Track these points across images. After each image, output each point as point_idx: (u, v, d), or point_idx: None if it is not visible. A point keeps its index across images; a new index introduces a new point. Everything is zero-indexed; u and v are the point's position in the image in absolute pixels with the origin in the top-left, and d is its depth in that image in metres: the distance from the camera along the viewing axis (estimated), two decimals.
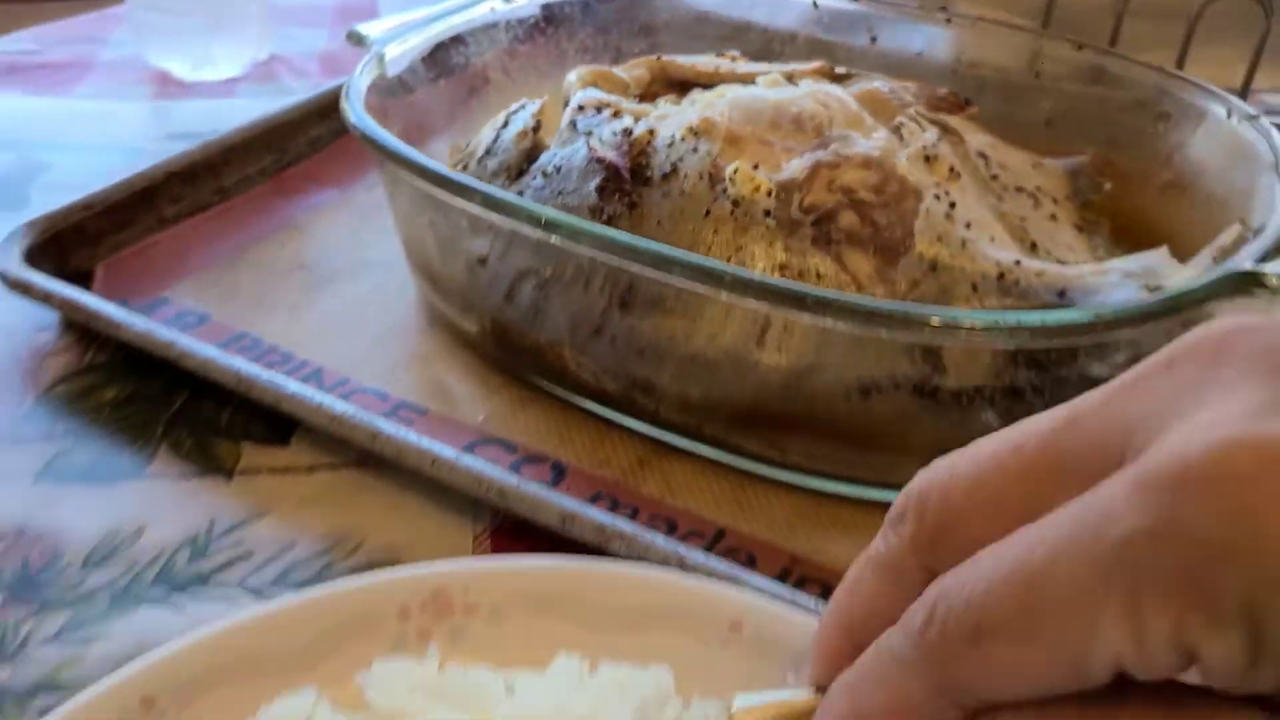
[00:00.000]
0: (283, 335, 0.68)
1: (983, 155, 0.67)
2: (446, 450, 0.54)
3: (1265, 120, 0.65)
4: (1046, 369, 0.51)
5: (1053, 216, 0.67)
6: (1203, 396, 0.25)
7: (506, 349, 0.64)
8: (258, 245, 0.78)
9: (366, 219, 0.82)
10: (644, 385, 0.59)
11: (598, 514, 0.50)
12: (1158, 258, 0.57)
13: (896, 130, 0.66)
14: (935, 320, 0.48)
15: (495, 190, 0.57)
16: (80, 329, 0.69)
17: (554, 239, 0.54)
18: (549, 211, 0.54)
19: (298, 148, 0.86)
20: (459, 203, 0.57)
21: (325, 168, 0.87)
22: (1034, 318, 0.48)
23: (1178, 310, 0.48)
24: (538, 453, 0.60)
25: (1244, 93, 0.85)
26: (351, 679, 0.42)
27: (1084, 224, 0.69)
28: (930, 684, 0.28)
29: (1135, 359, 0.29)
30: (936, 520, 0.30)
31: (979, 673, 0.27)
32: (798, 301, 0.49)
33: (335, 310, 0.72)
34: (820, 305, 0.48)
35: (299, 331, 0.69)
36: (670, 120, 0.64)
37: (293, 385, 0.58)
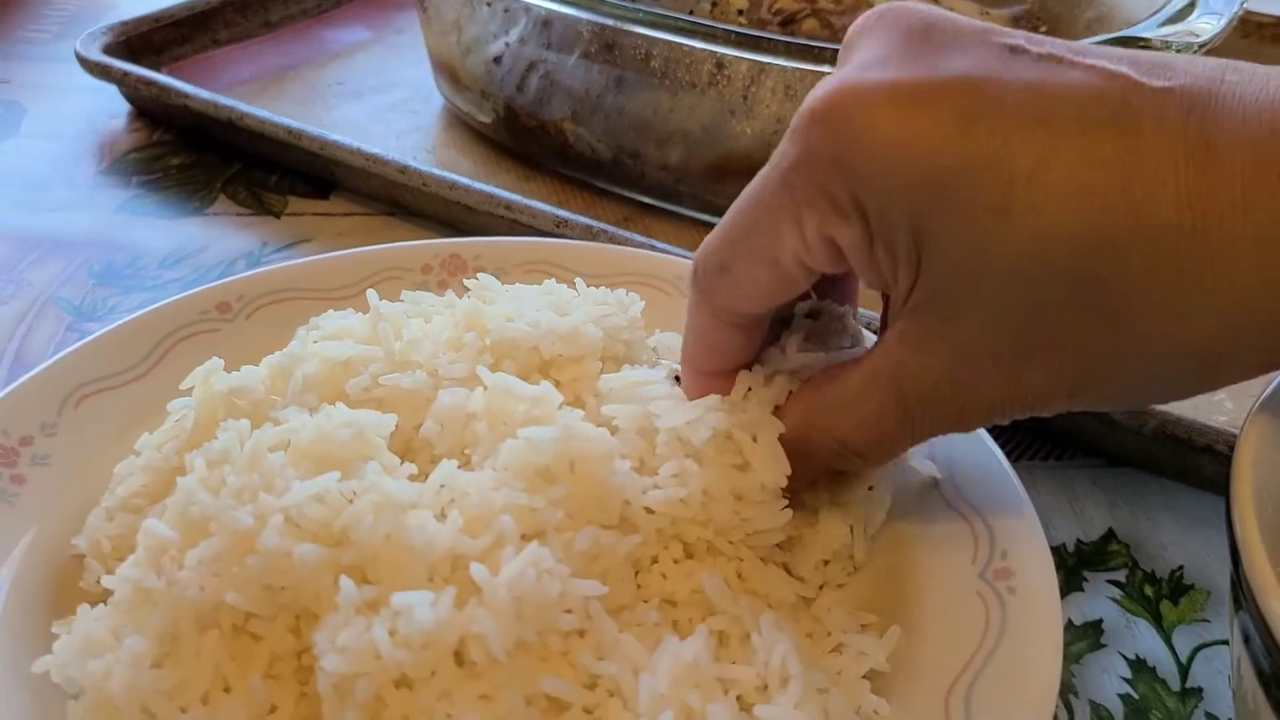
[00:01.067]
0: (321, 127, 0.79)
1: (935, 1, 0.77)
2: (463, 178, 0.65)
3: None
4: None
5: None
6: (848, 56, 0.35)
7: (515, 132, 0.75)
8: (300, 66, 0.89)
9: (395, 53, 0.93)
10: (632, 152, 0.70)
11: (587, 219, 0.61)
12: None
13: None
14: None
15: None
16: (147, 115, 0.80)
17: (563, 8, 0.65)
18: None
19: None
20: None
21: (359, 13, 0.98)
22: None
23: None
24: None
25: None
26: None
27: None
28: (708, 312, 0.39)
29: None
30: None
31: (731, 291, 0.37)
32: (756, 44, 0.60)
33: (367, 114, 0.83)
34: (774, 45, 0.59)
35: (335, 126, 0.80)
36: None
37: (334, 135, 0.69)
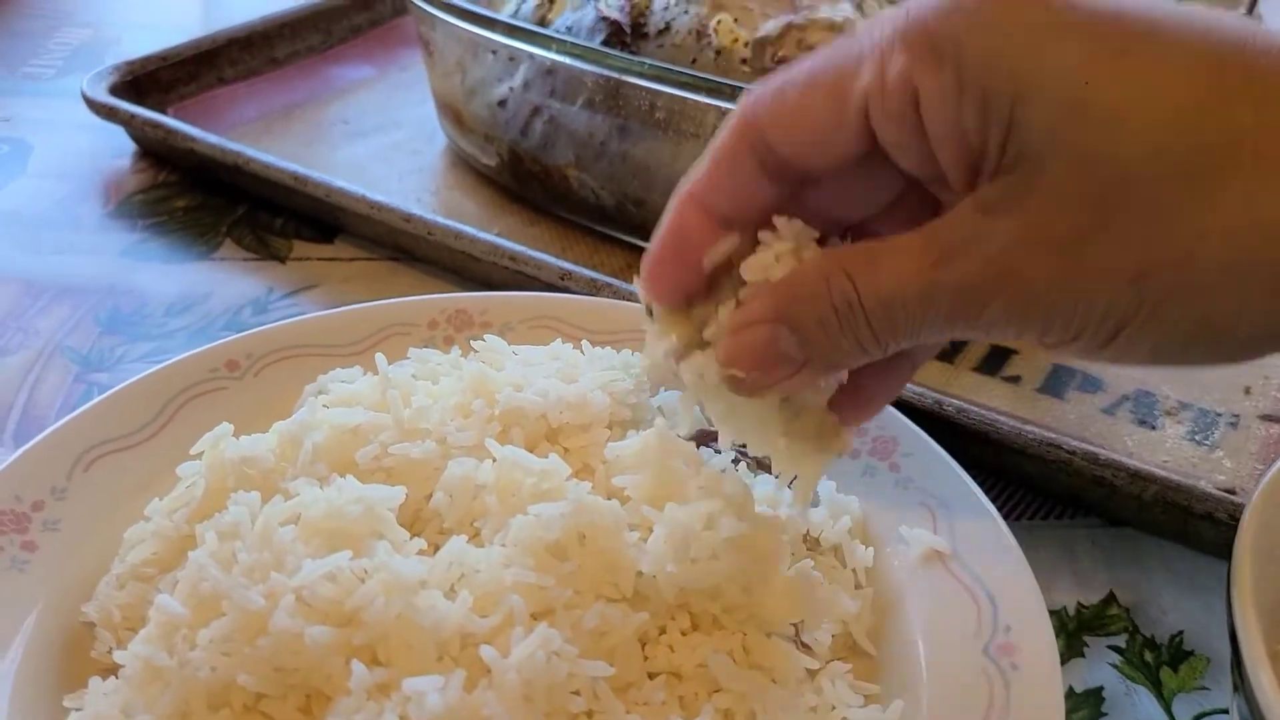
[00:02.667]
0: (326, 169, 0.79)
1: None
2: (468, 228, 0.65)
3: None
4: None
5: None
6: None
7: (519, 177, 0.76)
8: (305, 105, 0.90)
9: (399, 91, 0.93)
10: (635, 200, 0.71)
11: (591, 272, 0.61)
12: None
13: (859, 5, 0.77)
14: None
15: (522, 23, 0.68)
16: (153, 155, 0.81)
17: (566, 59, 0.65)
18: (562, 36, 0.66)
19: (341, 32, 0.98)
20: (494, 37, 0.68)
21: (364, 51, 0.99)
22: None
23: None
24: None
25: None
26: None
27: None
28: (739, 130, 0.35)
29: None
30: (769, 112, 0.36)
31: (776, 113, 0.34)
32: None
33: (371, 154, 0.84)
34: None
35: (339, 167, 0.80)
36: None
37: (340, 181, 0.69)
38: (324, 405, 0.47)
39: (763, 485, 0.44)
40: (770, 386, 0.37)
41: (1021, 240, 0.32)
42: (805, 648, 0.42)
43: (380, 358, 0.48)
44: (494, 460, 0.42)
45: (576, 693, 0.36)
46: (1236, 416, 0.59)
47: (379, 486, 0.41)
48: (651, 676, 0.39)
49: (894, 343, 0.35)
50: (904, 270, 0.34)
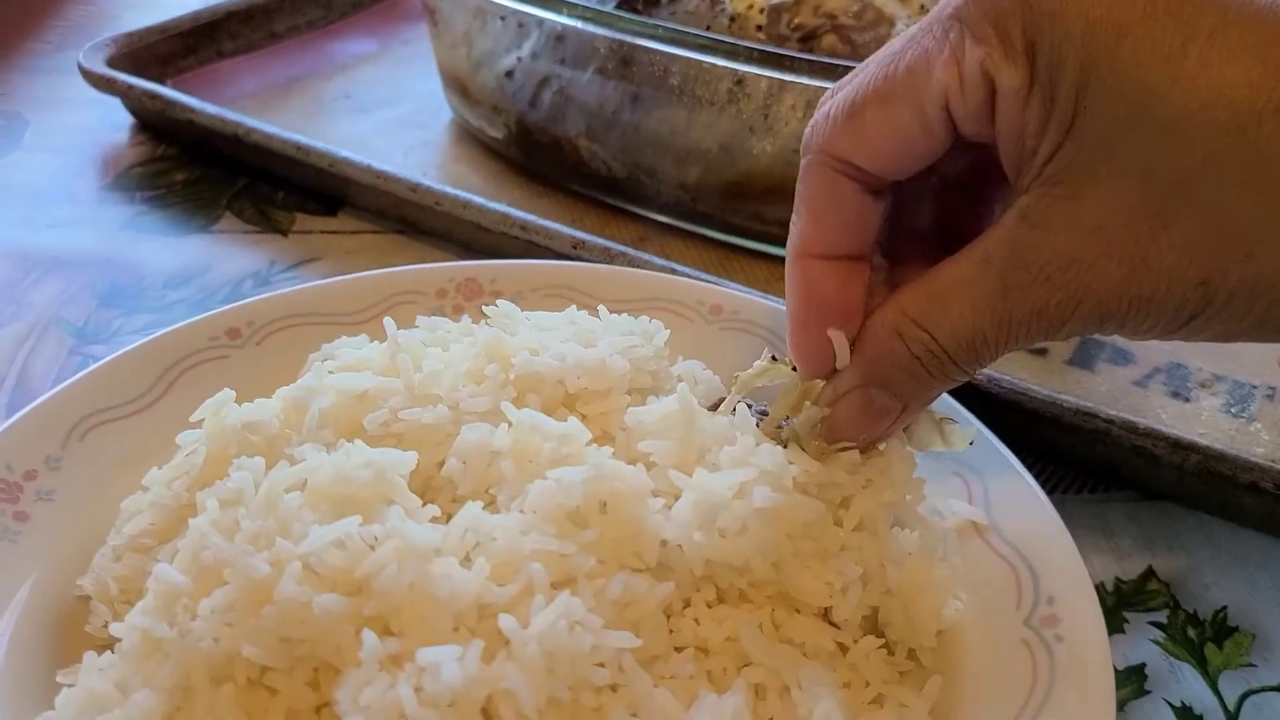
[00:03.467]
0: (329, 143, 0.77)
1: None
2: (477, 197, 0.63)
3: None
4: None
5: None
6: None
7: (528, 149, 0.74)
8: (306, 79, 0.88)
9: (403, 65, 0.91)
10: (648, 170, 0.69)
11: (605, 241, 0.59)
12: None
13: None
14: None
15: None
16: (151, 129, 0.79)
17: (578, 24, 0.63)
18: (574, 0, 0.64)
19: (342, 6, 0.96)
20: (504, 2, 0.66)
21: (366, 25, 0.96)
22: None
23: None
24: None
25: None
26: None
27: None
28: (824, 167, 0.35)
29: None
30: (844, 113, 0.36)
31: (858, 140, 0.35)
32: (777, 61, 0.58)
33: (375, 128, 0.81)
34: (795, 63, 0.58)
35: (342, 141, 0.78)
36: None
37: (344, 151, 0.67)
38: (330, 371, 0.45)
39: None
40: (883, 438, 0.39)
41: (1082, 256, 0.32)
42: (833, 626, 0.40)
43: (389, 321, 0.45)
44: (510, 425, 0.40)
45: (601, 665, 0.34)
46: (1273, 389, 0.57)
47: (390, 451, 0.38)
48: (678, 650, 0.37)
49: (983, 366, 0.36)
50: (975, 306, 0.34)
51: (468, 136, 0.80)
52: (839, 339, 0.37)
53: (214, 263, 0.66)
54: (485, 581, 0.34)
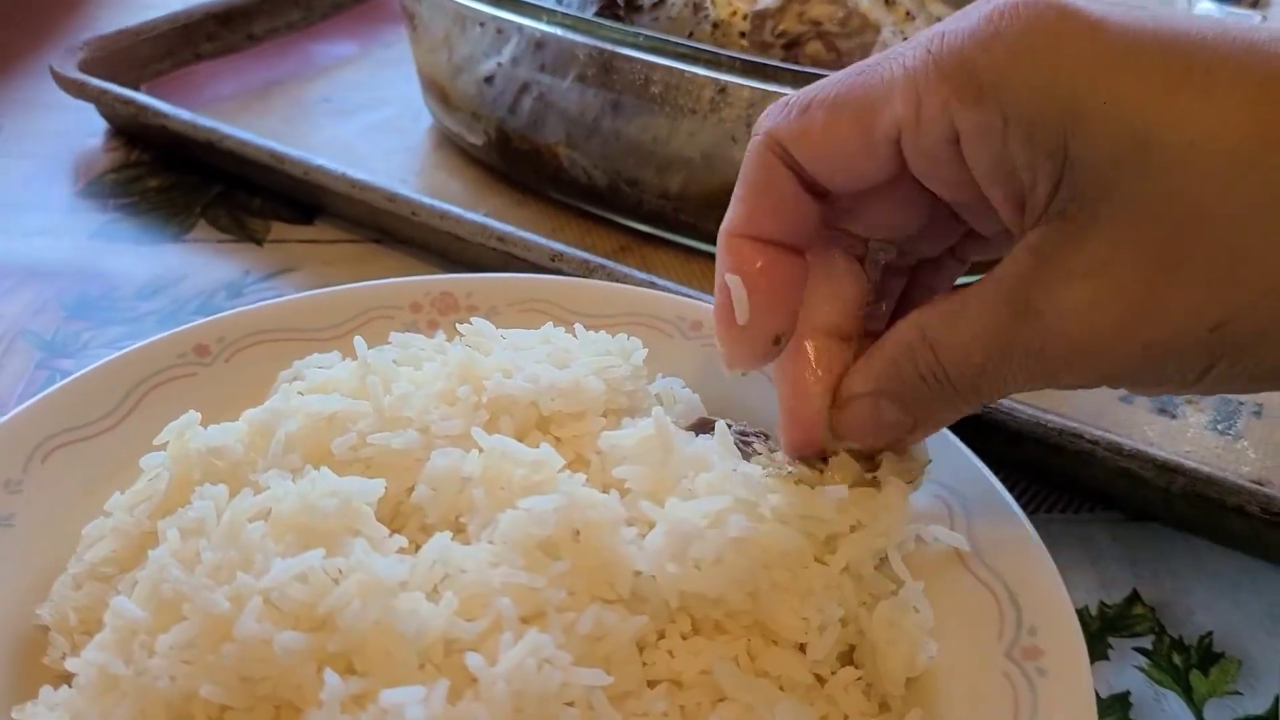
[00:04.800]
0: (306, 148, 0.76)
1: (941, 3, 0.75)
2: (454, 207, 0.62)
3: None
4: None
5: None
6: None
7: (508, 156, 0.73)
8: (285, 82, 0.86)
9: (384, 68, 0.90)
10: (629, 179, 0.68)
11: (584, 253, 0.58)
12: None
13: None
14: None
15: None
16: (125, 134, 0.77)
17: (557, 31, 0.62)
18: (554, 7, 0.63)
19: (323, 8, 0.94)
20: (482, 8, 0.65)
21: (346, 27, 0.95)
22: None
23: None
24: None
25: None
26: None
27: None
28: (764, 146, 0.35)
29: None
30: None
31: (799, 132, 0.34)
32: (760, 71, 0.57)
33: (354, 132, 0.80)
34: (778, 73, 0.57)
35: (321, 146, 0.77)
36: None
37: (320, 159, 0.66)
38: (299, 392, 0.44)
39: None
40: (888, 449, 0.38)
41: (1087, 302, 0.30)
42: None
43: (359, 341, 0.44)
44: (480, 451, 0.39)
45: (571, 704, 0.33)
46: (1260, 405, 0.56)
47: (356, 479, 0.38)
48: (651, 684, 0.36)
49: (988, 402, 0.35)
50: (981, 331, 0.33)
51: (447, 142, 0.79)
52: (736, 285, 0.36)
53: (188, 273, 0.65)
54: (452, 616, 0.33)
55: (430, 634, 0.33)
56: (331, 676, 0.31)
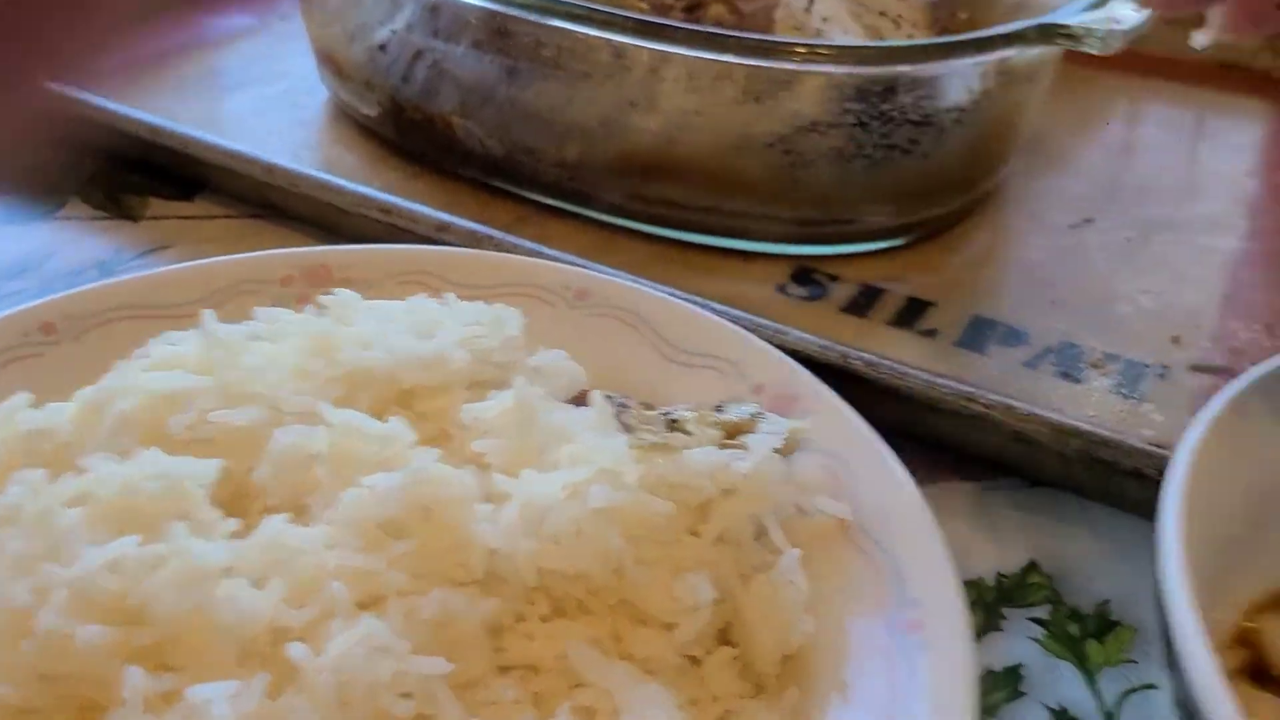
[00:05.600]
0: (198, 123, 0.73)
1: None
2: (336, 178, 0.59)
3: None
4: (871, 101, 0.57)
5: (909, 38, 0.74)
6: None
7: (402, 127, 0.70)
8: (176, 56, 0.82)
9: (282, 41, 0.86)
10: (525, 149, 0.65)
11: (472, 224, 0.56)
12: None
13: None
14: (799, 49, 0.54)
15: None
16: None
17: None
18: None
19: None
20: None
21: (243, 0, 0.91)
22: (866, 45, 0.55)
23: (988, 48, 0.55)
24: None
25: None
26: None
27: None
28: None
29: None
30: None
31: None
32: (656, 31, 0.55)
33: (249, 107, 0.76)
34: (675, 33, 0.55)
35: (213, 121, 0.73)
36: None
37: (198, 132, 0.63)
38: (143, 370, 0.41)
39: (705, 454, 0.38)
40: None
41: None
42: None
43: (208, 313, 0.42)
44: (328, 427, 0.36)
45: (406, 695, 0.30)
46: (1166, 368, 0.55)
47: (189, 460, 0.35)
48: (506, 670, 0.34)
49: None
50: None
51: (344, 115, 0.75)
52: None
53: (56, 250, 0.61)
54: (279, 604, 0.31)
55: (253, 624, 0.30)
56: (133, 672, 0.28)
